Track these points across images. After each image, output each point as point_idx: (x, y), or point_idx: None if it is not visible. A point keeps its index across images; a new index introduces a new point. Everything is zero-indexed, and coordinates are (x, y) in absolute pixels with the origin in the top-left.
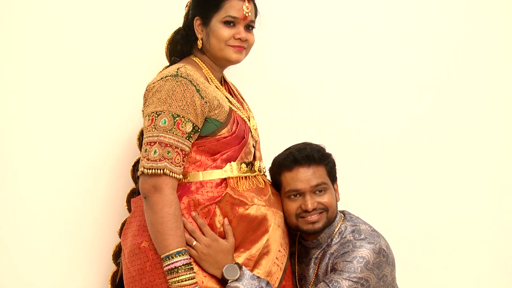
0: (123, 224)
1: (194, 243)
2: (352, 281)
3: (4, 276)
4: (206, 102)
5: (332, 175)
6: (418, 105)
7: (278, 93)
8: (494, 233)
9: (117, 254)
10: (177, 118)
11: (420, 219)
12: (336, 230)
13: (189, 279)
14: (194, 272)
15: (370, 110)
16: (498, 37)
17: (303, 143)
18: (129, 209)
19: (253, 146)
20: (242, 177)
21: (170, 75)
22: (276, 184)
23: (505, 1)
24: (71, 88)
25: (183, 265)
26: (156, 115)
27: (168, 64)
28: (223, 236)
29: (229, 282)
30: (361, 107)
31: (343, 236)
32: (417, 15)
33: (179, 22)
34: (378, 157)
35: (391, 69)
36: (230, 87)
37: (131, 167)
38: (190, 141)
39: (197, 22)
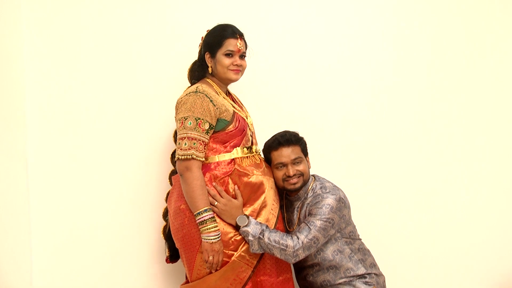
0: (168, 193)
1: (216, 203)
2: (322, 220)
3: (86, 229)
4: (217, 108)
5: (305, 151)
6: (402, 105)
7: (265, 99)
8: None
9: (165, 214)
10: (198, 120)
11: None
12: (309, 188)
13: (214, 227)
14: (217, 223)
15: (340, 110)
16: (495, 36)
17: (284, 131)
18: (171, 183)
19: (250, 135)
20: (244, 157)
21: (192, 92)
22: (268, 160)
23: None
24: (132, 105)
25: (209, 218)
26: (184, 119)
27: (189, 84)
28: (235, 197)
29: (241, 227)
30: (331, 106)
31: (315, 191)
32: (397, 16)
33: (195, 56)
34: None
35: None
36: (233, 97)
37: (170, 155)
38: (208, 135)
39: (207, 56)
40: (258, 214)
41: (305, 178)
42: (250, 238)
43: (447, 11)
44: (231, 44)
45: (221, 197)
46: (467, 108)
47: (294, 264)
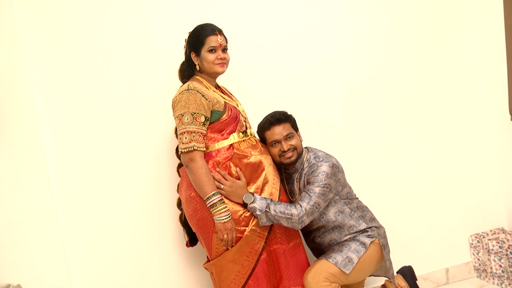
0: (178, 185)
1: (222, 186)
2: (320, 187)
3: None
4: (210, 101)
5: (295, 127)
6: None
7: (252, 88)
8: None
9: (179, 203)
10: (194, 115)
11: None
12: (304, 159)
13: (223, 208)
14: (226, 204)
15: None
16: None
17: (273, 111)
18: (179, 175)
19: (243, 121)
20: (241, 141)
21: (185, 90)
22: (262, 140)
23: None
24: (137, 109)
25: (218, 201)
26: (182, 116)
27: (181, 84)
28: (238, 178)
29: (248, 204)
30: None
31: (310, 161)
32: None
33: (182, 58)
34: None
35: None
36: (222, 89)
37: (175, 150)
38: (205, 127)
39: (193, 55)
40: (261, 190)
41: (298, 151)
42: (258, 212)
43: (424, 12)
44: (212, 40)
45: (226, 180)
46: (449, 96)
47: (302, 230)
